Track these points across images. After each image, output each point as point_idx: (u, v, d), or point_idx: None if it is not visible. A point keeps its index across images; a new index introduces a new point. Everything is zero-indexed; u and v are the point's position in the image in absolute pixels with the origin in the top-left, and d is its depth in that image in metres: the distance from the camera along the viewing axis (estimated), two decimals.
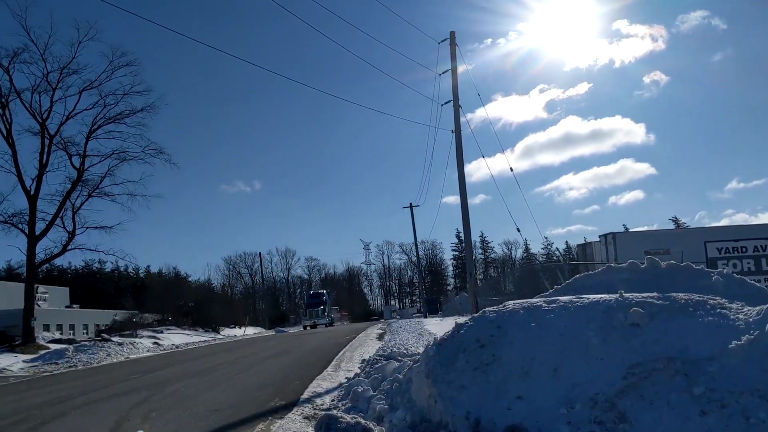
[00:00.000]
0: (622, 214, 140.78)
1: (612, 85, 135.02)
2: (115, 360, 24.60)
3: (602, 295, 6.65)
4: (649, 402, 5.01)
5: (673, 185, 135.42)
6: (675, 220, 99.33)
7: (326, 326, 58.33)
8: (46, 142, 33.21)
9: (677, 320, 5.80)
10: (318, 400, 8.55)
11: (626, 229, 76.15)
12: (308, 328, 58.74)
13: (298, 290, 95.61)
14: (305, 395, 9.12)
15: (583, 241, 47.11)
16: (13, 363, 24.29)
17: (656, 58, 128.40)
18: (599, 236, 35.29)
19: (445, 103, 25.12)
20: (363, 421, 5.93)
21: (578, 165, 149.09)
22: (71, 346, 28.22)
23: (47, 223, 33.15)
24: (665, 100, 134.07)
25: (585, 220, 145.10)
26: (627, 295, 6.32)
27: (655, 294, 6.34)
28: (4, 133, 32.12)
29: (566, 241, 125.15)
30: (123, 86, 33.68)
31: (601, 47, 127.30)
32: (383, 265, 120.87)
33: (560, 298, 6.89)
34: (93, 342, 30.85)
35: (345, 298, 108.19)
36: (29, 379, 18.00)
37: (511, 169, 30.00)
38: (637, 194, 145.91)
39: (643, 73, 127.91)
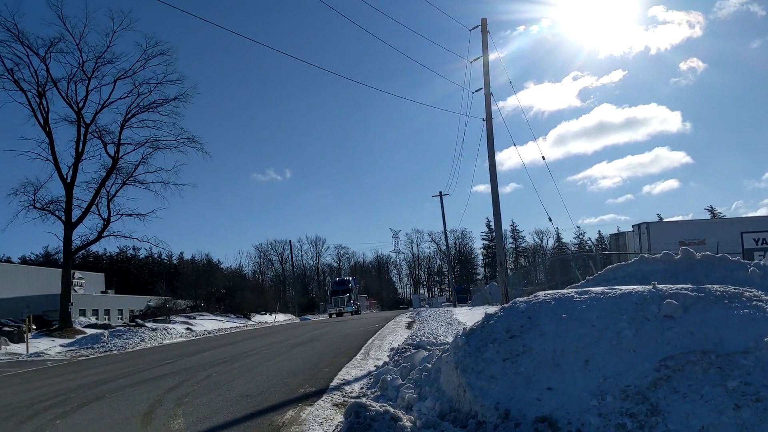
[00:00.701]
0: (656, 203, 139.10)
1: (647, 73, 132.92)
2: (148, 345, 25.04)
3: (635, 287, 6.57)
4: (681, 395, 4.94)
5: (709, 174, 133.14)
6: (711, 210, 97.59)
7: (352, 314, 57.13)
8: (82, 130, 33.90)
9: (712, 312, 5.71)
10: (347, 388, 8.60)
11: (660, 218, 75.32)
12: (334, 315, 57.55)
13: (328, 278, 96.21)
14: (334, 383, 9.19)
15: (616, 231, 46.52)
16: (51, 347, 24.89)
17: (693, 45, 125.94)
18: (632, 226, 34.88)
19: (476, 91, 24.92)
20: (392, 410, 5.95)
21: (612, 154, 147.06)
22: (106, 331, 28.80)
23: (83, 210, 33.89)
24: (702, 88, 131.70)
25: (618, 209, 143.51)
26: (660, 286, 6.23)
27: (689, 285, 6.25)
28: (42, 121, 32.79)
29: (599, 231, 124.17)
30: (156, 75, 34.21)
31: (637, 34, 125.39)
32: (412, 254, 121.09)
33: (592, 288, 6.82)
34: (127, 327, 31.45)
35: (374, 286, 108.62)
36: (66, 363, 18.42)
37: (543, 157, 29.72)
38: (671, 183, 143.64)
39: (680, 60, 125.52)
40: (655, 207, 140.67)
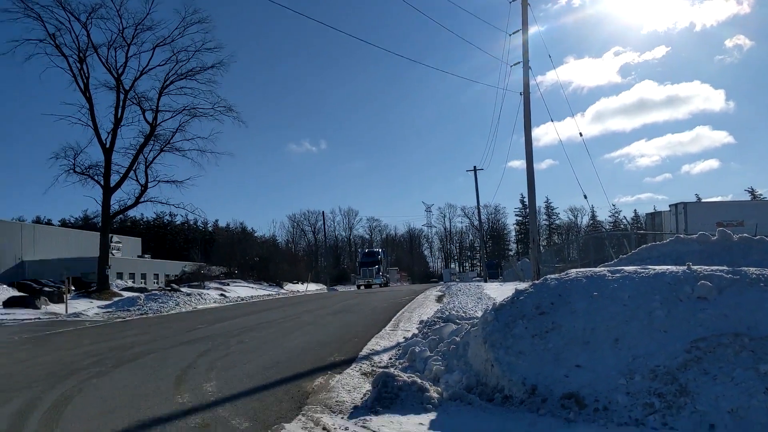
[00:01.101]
0: (695, 183, 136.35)
1: (692, 49, 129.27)
2: (183, 310, 25.52)
3: (669, 267, 6.50)
4: (712, 377, 4.91)
5: (751, 155, 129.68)
6: (751, 191, 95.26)
7: (381, 286, 55.89)
8: (121, 96, 34.32)
9: (747, 295, 5.63)
10: (376, 358, 8.70)
11: (698, 199, 73.87)
12: (362, 287, 56.02)
13: (359, 249, 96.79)
14: (363, 352, 9.29)
15: (652, 210, 45.73)
16: (89, 308, 25.55)
17: (740, 22, 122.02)
18: (669, 206, 34.31)
19: (515, 65, 24.50)
20: (419, 381, 6.01)
21: (651, 131, 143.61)
22: (142, 295, 29.42)
23: (121, 175, 34.49)
24: (748, 66, 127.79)
25: (655, 188, 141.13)
26: (695, 267, 6.15)
27: (724, 267, 6.16)
28: (82, 87, 33.27)
29: (635, 210, 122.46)
30: (195, 43, 34.35)
31: (682, 9, 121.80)
32: (444, 228, 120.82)
33: (625, 268, 6.76)
34: (163, 291, 32.10)
35: (405, 259, 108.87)
36: (103, 324, 18.89)
37: (581, 134, 29.30)
38: (711, 163, 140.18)
39: (726, 37, 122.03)
40: (693, 187, 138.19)
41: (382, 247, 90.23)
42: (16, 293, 30.37)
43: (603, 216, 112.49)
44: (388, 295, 29.52)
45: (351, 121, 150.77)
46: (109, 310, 25.09)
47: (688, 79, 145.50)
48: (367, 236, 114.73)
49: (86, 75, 33.35)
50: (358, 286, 58.24)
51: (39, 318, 22.35)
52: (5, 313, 23.85)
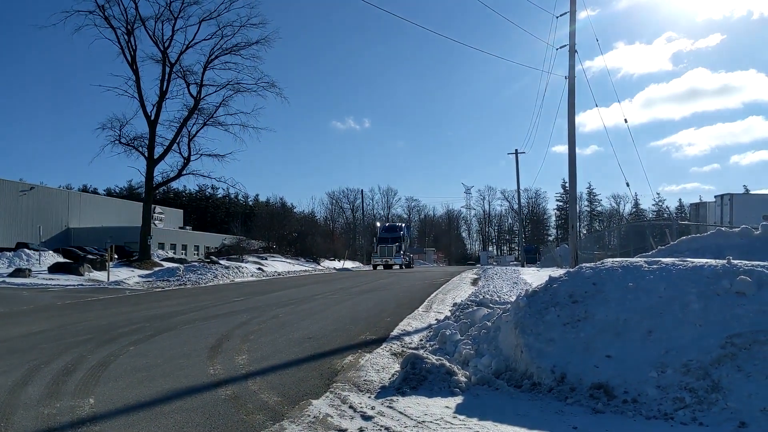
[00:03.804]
0: (744, 174, 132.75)
1: (748, 38, 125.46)
2: (221, 282, 25.97)
3: (708, 260, 6.36)
4: (746, 374, 4.81)
5: None
6: None
7: (401, 267, 48.69)
8: (167, 69, 34.83)
9: None
10: (407, 338, 8.73)
11: (746, 190, 71.75)
12: (380, 267, 48.90)
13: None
14: (395, 332, 9.33)
15: (697, 201, 44.63)
16: (130, 277, 26.18)
17: None
18: (715, 197, 33.43)
19: (561, 48, 23.99)
20: (447, 364, 6.02)
21: (701, 120, 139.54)
22: (182, 266, 30.00)
23: (165, 147, 35.10)
24: None
25: (702, 178, 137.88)
26: (735, 261, 6.00)
27: (766, 263, 5.99)
28: (129, 59, 33.85)
29: (679, 199, 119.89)
30: (240, 18, 34.67)
31: None
32: (483, 211, 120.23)
33: (663, 259, 6.64)
34: (202, 263, 32.67)
35: (443, 240, 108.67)
36: (143, 293, 19.35)
37: (626, 120, 28.74)
38: (763, 155, 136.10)
39: None
40: (742, 178, 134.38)
41: (420, 227, 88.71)
42: (61, 259, 31.33)
43: (646, 204, 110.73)
44: (423, 275, 29.56)
45: (395, 99, 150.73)
46: (149, 279, 25.67)
47: (744, 68, 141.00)
48: (406, 215, 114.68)
49: (133, 47, 33.96)
50: (374, 266, 50.57)
51: (82, 285, 23.01)
52: (50, 278, 24.62)
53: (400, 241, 51.98)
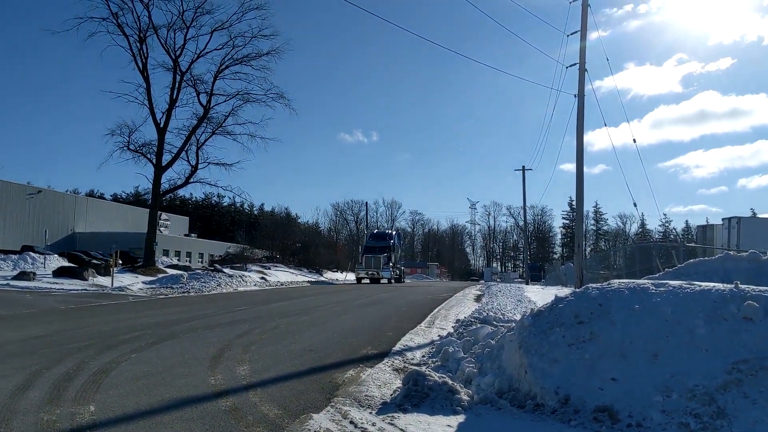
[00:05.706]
0: (752, 198, 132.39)
1: (759, 63, 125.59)
2: (224, 290, 25.95)
3: (716, 284, 6.31)
4: (752, 401, 4.76)
5: None
6: None
7: (390, 281, 43.22)
8: (177, 78, 35.06)
9: None
10: (409, 354, 8.67)
11: (754, 214, 71.56)
12: (365, 281, 43.27)
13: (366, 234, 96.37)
14: (397, 347, 9.28)
15: (704, 223, 44.52)
16: (134, 283, 26.18)
17: None
18: (723, 219, 33.37)
19: (571, 66, 24.01)
20: (450, 382, 5.97)
21: (709, 142, 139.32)
22: (186, 273, 29.99)
23: (173, 155, 35.31)
24: None
25: (710, 200, 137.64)
26: (743, 286, 5.95)
27: None
28: (140, 66, 34.05)
29: (686, 221, 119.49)
30: (252, 29, 34.96)
31: (751, 22, 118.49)
32: (488, 227, 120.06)
33: (670, 282, 6.59)
34: (206, 271, 32.69)
35: (447, 254, 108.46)
36: (146, 300, 19.34)
37: (635, 140, 28.80)
38: None
39: None
40: (749, 201, 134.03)
41: (424, 241, 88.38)
42: (66, 263, 31.35)
43: (653, 225, 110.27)
44: (427, 290, 29.46)
45: (402, 113, 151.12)
46: (153, 286, 25.66)
47: (754, 92, 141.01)
48: (410, 229, 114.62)
49: (145, 55, 34.17)
50: (359, 279, 44.51)
51: (85, 289, 23.01)
52: (54, 282, 24.63)
53: (389, 251, 45.71)
